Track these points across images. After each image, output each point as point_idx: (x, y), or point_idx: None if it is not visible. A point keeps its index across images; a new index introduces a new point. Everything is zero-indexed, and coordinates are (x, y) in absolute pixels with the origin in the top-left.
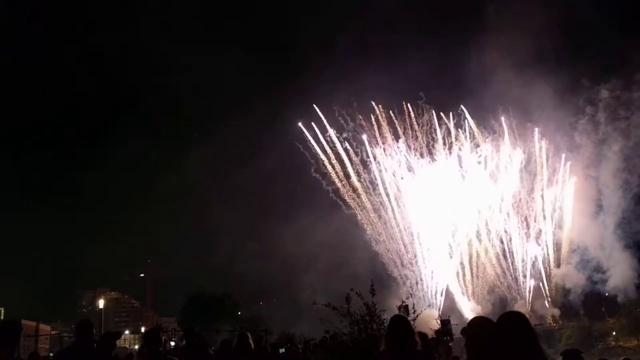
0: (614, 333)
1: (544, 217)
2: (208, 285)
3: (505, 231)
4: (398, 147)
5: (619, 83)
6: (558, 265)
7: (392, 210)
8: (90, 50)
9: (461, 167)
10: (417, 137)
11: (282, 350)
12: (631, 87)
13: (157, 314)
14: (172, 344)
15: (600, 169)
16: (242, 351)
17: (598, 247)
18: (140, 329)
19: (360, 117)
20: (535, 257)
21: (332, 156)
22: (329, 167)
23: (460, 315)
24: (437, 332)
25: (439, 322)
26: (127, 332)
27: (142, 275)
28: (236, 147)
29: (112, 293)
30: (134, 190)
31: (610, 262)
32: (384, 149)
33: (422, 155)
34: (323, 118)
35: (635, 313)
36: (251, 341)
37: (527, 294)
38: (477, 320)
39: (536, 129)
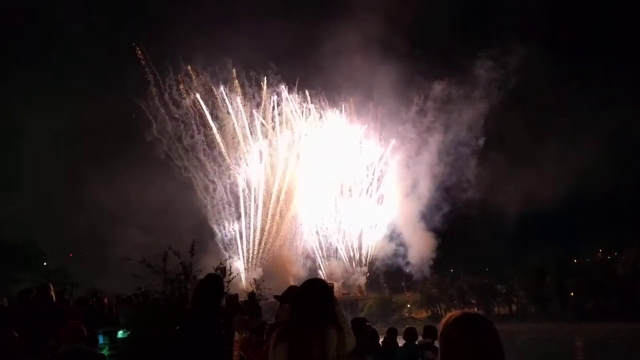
0: (408, 305)
1: (367, 192)
2: (10, 230)
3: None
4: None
5: (450, 81)
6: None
7: (229, 172)
8: None
9: (295, 135)
10: (261, 104)
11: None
12: (454, 86)
13: None
14: None
15: (420, 157)
16: (41, 303)
17: (405, 225)
18: None
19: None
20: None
21: (176, 113)
22: (168, 125)
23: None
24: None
25: (253, 286)
26: None
27: None
28: (67, 90)
29: None
30: None
31: (412, 241)
32: (228, 109)
33: (264, 118)
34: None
35: (428, 289)
36: (53, 293)
37: (338, 261)
38: (289, 288)
39: (393, 140)
